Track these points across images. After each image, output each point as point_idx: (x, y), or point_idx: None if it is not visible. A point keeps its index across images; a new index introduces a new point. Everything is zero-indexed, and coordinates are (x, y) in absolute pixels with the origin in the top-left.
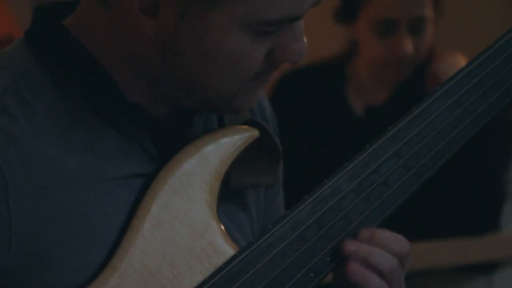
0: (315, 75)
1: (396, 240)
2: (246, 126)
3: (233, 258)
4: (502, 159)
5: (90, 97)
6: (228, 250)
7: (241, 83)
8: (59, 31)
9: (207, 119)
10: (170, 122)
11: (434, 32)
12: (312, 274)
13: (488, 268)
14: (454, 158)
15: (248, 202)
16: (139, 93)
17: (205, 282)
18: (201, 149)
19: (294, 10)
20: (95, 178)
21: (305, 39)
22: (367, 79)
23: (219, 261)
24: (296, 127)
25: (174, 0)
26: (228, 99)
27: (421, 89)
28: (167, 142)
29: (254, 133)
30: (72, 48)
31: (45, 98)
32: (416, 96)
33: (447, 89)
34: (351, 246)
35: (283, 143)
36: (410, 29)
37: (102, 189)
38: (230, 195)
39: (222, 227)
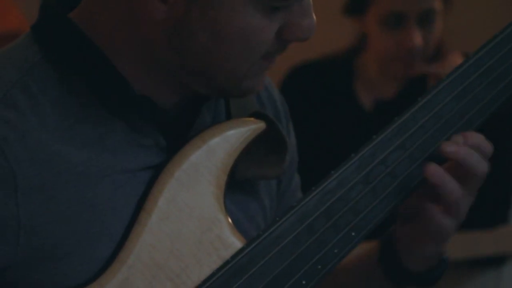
0: (323, 69)
1: (486, 142)
2: (252, 118)
3: (241, 250)
4: (510, 153)
5: (97, 90)
6: (235, 242)
7: (251, 62)
8: (65, 25)
9: (216, 110)
10: (179, 113)
11: (442, 24)
12: (319, 266)
13: (497, 261)
14: None
15: (260, 192)
16: (146, 84)
17: (212, 275)
18: (208, 141)
19: None
20: (103, 172)
21: (313, 16)
22: (376, 73)
23: (226, 254)
24: (305, 122)
25: None
26: (238, 81)
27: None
28: (176, 134)
29: (260, 125)
30: (78, 41)
31: (52, 92)
32: (425, 90)
33: (452, 80)
34: (450, 147)
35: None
36: (419, 22)
37: (110, 183)
38: (241, 186)
39: (230, 220)
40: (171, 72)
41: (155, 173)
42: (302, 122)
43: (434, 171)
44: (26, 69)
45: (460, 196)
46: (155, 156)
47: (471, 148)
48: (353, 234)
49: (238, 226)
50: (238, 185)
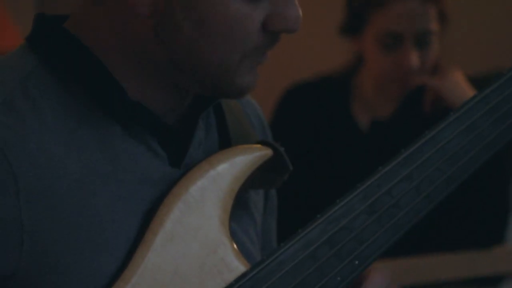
0: (320, 89)
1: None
2: (259, 145)
3: (244, 274)
4: (507, 172)
5: (95, 96)
6: (239, 266)
7: (239, 54)
8: (59, 33)
9: (208, 122)
10: (176, 124)
11: (439, 46)
12: None
13: (494, 281)
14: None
15: (251, 207)
16: (142, 92)
17: None
18: (215, 166)
19: None
20: (103, 180)
21: (298, 6)
22: (372, 93)
23: (230, 277)
24: (301, 142)
25: None
26: (229, 77)
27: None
28: (175, 145)
29: (267, 152)
30: (74, 47)
31: (51, 98)
32: (422, 111)
33: (460, 115)
34: None
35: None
36: (415, 42)
37: (111, 194)
38: (242, 208)
39: (234, 244)
40: (163, 72)
41: (162, 192)
42: (298, 142)
43: None
44: (25, 74)
45: None
46: (156, 168)
47: None
48: (356, 262)
49: (244, 247)
50: (239, 206)
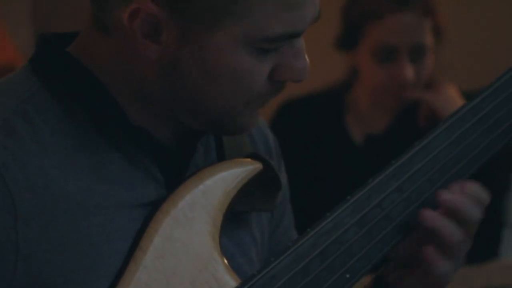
0: (314, 104)
1: (482, 191)
2: (249, 159)
3: None
4: (501, 187)
5: (96, 121)
6: (230, 282)
7: (244, 101)
8: (63, 57)
9: (206, 146)
10: (176, 148)
11: (433, 59)
12: None
13: None
14: None
15: (252, 226)
16: (143, 117)
17: None
18: (205, 181)
19: (293, 27)
20: (99, 203)
21: (306, 57)
22: (367, 107)
23: None
24: (296, 156)
25: (175, 23)
26: (232, 118)
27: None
28: (173, 169)
29: (257, 166)
30: (77, 72)
31: (52, 120)
32: (416, 125)
33: (449, 125)
34: (446, 195)
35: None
36: (410, 56)
37: (106, 216)
38: (233, 220)
39: (225, 259)
40: (167, 108)
41: (151, 210)
42: (293, 157)
43: (430, 215)
44: (25, 97)
45: (460, 238)
46: (152, 191)
47: (466, 196)
48: (347, 276)
49: (233, 260)
50: (231, 219)
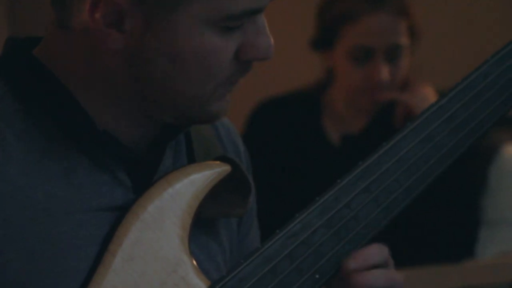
0: (291, 105)
1: (380, 254)
2: (218, 162)
3: None
4: (476, 185)
5: (62, 125)
6: (200, 284)
7: (213, 85)
8: (28, 60)
9: (176, 150)
10: (143, 153)
11: (409, 60)
12: None
13: None
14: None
15: (220, 233)
16: (110, 120)
17: None
18: (173, 184)
19: (255, 3)
20: (67, 209)
21: (269, 35)
22: (343, 108)
23: None
24: (272, 157)
25: (138, 9)
26: (202, 106)
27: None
28: (141, 173)
29: (226, 168)
30: (42, 76)
31: (18, 126)
32: (392, 126)
33: (417, 125)
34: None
35: (259, 173)
36: (386, 56)
37: (74, 222)
38: (201, 226)
39: (194, 262)
40: (134, 103)
41: (120, 214)
42: (269, 157)
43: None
44: None
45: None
46: (120, 196)
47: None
48: (317, 276)
49: (199, 266)
50: (199, 225)
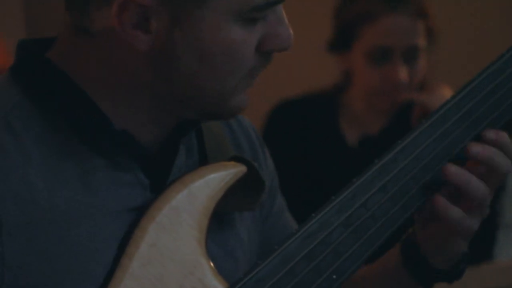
0: (309, 106)
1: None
2: (233, 162)
3: None
4: (496, 189)
5: (79, 128)
6: (217, 286)
7: (237, 78)
8: (43, 63)
9: (188, 146)
10: (159, 151)
11: (427, 61)
12: None
13: None
14: None
15: (236, 226)
16: (126, 120)
17: None
18: (189, 185)
19: None
20: (86, 211)
21: (289, 25)
22: (361, 109)
23: None
24: (290, 159)
25: (165, 8)
26: (224, 100)
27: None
28: (157, 171)
29: (241, 169)
30: (58, 79)
31: (35, 131)
32: (410, 127)
33: (433, 122)
34: (452, 169)
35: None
36: (404, 58)
37: (93, 224)
38: (217, 222)
39: (211, 263)
40: (156, 102)
41: (136, 216)
42: (287, 159)
43: (455, 171)
44: (8, 108)
45: (485, 192)
46: (137, 196)
47: (495, 148)
48: (334, 277)
49: (216, 263)
50: (215, 221)
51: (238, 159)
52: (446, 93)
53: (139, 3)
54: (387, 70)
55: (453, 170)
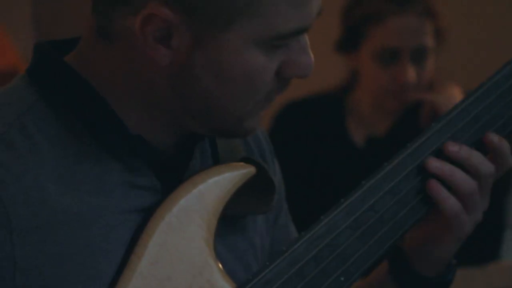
0: (316, 106)
1: (481, 161)
2: (242, 163)
3: None
4: (501, 188)
5: (94, 131)
6: (226, 287)
7: (253, 102)
8: (60, 66)
9: (202, 151)
10: (173, 155)
11: (435, 61)
12: None
13: None
14: None
15: (248, 230)
16: (142, 124)
17: None
18: (198, 186)
19: (303, 22)
20: (98, 213)
21: (311, 53)
22: (368, 109)
23: None
24: (297, 159)
25: (189, 27)
26: (239, 122)
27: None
28: (171, 176)
29: (250, 170)
30: (74, 82)
31: (49, 133)
32: (418, 127)
33: (442, 126)
34: (435, 163)
35: (283, 175)
36: (412, 58)
37: (105, 225)
38: (227, 225)
39: (220, 264)
40: (171, 115)
41: (146, 216)
42: (294, 159)
43: (438, 164)
44: (23, 110)
45: (472, 186)
46: (149, 198)
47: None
48: (342, 279)
49: (226, 267)
50: (225, 225)
51: (248, 160)
52: (455, 92)
53: (165, 18)
54: (395, 70)
55: (437, 163)
